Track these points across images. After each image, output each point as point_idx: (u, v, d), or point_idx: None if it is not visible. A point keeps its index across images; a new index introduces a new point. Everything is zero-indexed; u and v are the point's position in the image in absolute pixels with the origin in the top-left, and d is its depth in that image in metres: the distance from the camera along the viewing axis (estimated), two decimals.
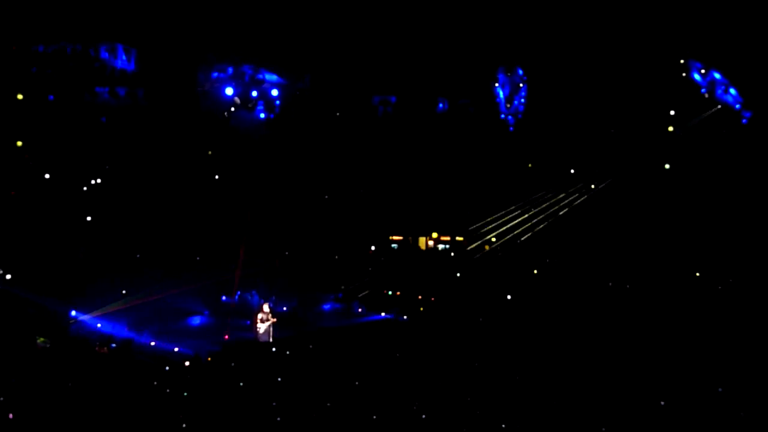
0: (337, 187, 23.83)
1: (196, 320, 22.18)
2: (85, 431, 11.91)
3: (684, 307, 18.73)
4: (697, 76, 21.41)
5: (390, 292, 23.41)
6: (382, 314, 22.67)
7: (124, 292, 21.03)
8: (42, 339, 17.97)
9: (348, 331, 21.26)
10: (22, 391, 13.72)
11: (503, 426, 12.33)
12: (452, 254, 24.29)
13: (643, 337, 17.28)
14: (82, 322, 19.98)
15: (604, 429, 12.06)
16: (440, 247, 24.66)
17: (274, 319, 20.33)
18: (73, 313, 19.96)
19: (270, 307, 20.58)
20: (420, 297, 22.94)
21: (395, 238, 24.63)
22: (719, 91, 21.35)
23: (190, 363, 17.16)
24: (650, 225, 21.18)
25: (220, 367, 16.94)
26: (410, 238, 24.48)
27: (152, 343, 19.34)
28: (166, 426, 12.50)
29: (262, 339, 19.97)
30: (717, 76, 21.24)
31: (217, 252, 22.67)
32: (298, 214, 23.23)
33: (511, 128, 23.46)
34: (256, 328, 20.11)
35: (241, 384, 14.86)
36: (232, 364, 16.96)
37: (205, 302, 22.44)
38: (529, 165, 23.26)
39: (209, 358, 17.84)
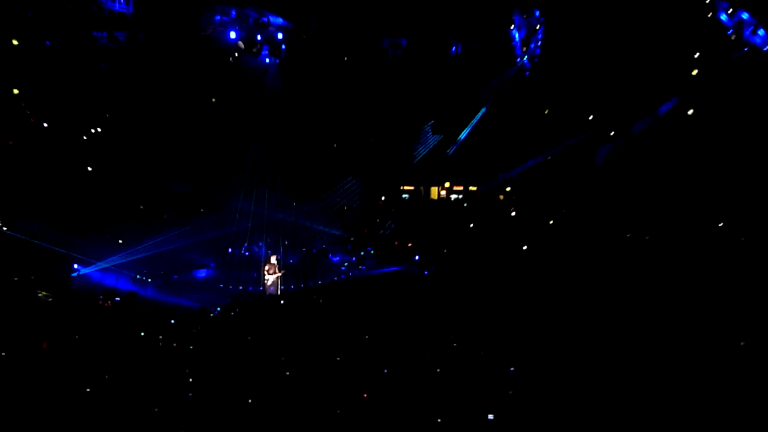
0: (346, 135, 23.51)
1: (202, 273, 22.23)
2: (89, 387, 11.85)
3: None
4: (723, 17, 20.73)
5: (401, 244, 23.32)
6: (394, 267, 22.48)
7: (127, 243, 20.89)
8: (44, 293, 17.87)
9: (358, 283, 21.14)
10: (24, 346, 13.48)
11: (516, 381, 12.28)
12: (465, 204, 24.20)
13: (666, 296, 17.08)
14: (85, 275, 19.89)
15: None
16: (453, 197, 24.53)
17: (282, 272, 20.21)
18: (76, 266, 19.81)
19: (277, 259, 20.40)
20: (432, 248, 22.69)
21: (406, 188, 24.42)
22: (747, 33, 20.66)
23: (196, 316, 17.16)
24: (673, 177, 20.74)
25: (226, 320, 16.93)
26: (422, 188, 24.30)
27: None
28: (172, 380, 12.27)
29: (270, 292, 19.80)
30: (745, 16, 20.54)
31: (222, 203, 22.63)
32: (306, 163, 22.91)
33: (528, 73, 22.95)
34: (264, 280, 20.00)
35: (249, 338, 14.78)
36: (240, 318, 16.93)
37: (212, 254, 22.42)
38: (546, 111, 22.84)
39: (216, 312, 17.85)
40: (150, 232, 21.22)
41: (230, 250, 22.53)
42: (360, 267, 22.90)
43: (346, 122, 23.37)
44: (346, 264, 23.09)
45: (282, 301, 18.88)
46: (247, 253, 22.56)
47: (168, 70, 21.54)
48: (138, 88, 21.46)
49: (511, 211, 22.96)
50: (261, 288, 20.16)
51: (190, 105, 21.99)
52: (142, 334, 14.92)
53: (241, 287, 21.15)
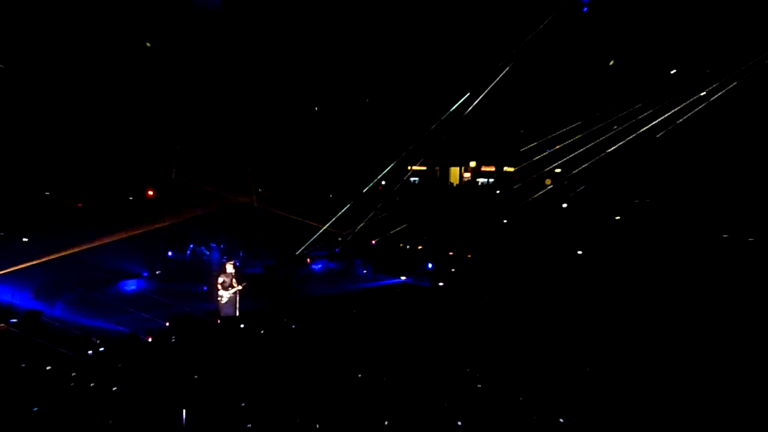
0: (331, 94, 23.23)
1: (132, 285, 22.10)
2: None
3: None
4: None
5: (408, 247, 23.18)
6: (398, 278, 22.63)
7: (27, 244, 20.65)
8: None
9: (348, 301, 20.89)
10: None
11: None
12: (498, 191, 24.15)
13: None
14: None
15: None
16: (481, 181, 24.48)
17: (242, 285, 19.76)
18: None
19: (236, 267, 19.67)
20: (451, 253, 22.53)
21: (416, 168, 24.37)
22: None
23: (122, 345, 16.89)
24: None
25: (164, 351, 16.61)
26: (437, 168, 24.27)
27: None
28: None
29: (225, 312, 19.12)
30: None
31: (159, 188, 22.47)
32: (274, 132, 22.75)
33: (585, 9, 22.86)
34: (217, 296, 19.25)
35: (196, 377, 14.75)
36: (183, 348, 16.65)
37: (144, 260, 22.44)
38: (611, 62, 22.69)
39: (149, 338, 17.64)
40: (58, 229, 21.05)
41: (170, 253, 22.64)
42: (351, 278, 22.88)
43: (332, 77, 22.95)
44: (331, 274, 22.95)
45: (242, 325, 18.72)
46: (193, 259, 22.50)
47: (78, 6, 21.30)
48: (39, 33, 21.15)
49: (563, 201, 22.65)
50: (213, 307, 19.74)
51: (110, 54, 21.88)
52: (48, 368, 14.70)
53: (185, 305, 20.66)
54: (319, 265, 23.58)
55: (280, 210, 23.10)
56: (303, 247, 23.25)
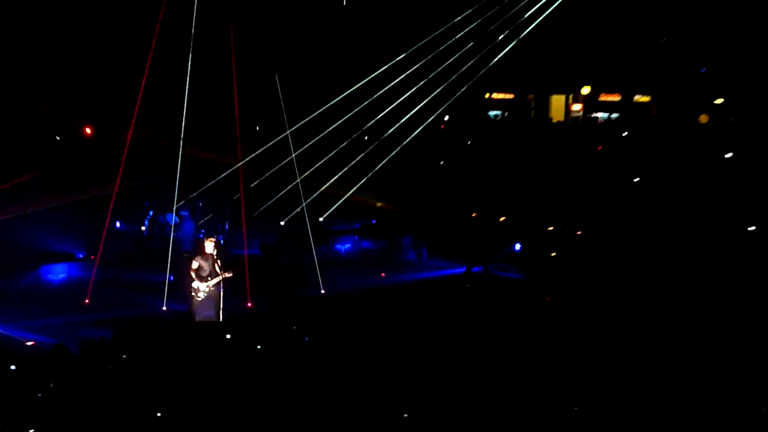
0: None
1: (59, 272, 22.57)
2: None
3: None
4: None
5: (484, 217, 22.84)
6: (468, 265, 22.63)
7: None
8: None
9: (389, 300, 20.99)
10: None
11: None
12: (626, 133, 23.32)
13: None
14: None
15: None
16: (599, 116, 23.97)
17: (229, 273, 19.27)
18: None
19: (219, 247, 19.53)
20: (551, 228, 22.15)
21: (498, 96, 23.74)
22: None
23: (45, 363, 16.34)
24: None
25: (109, 374, 16.04)
26: (531, 96, 23.70)
27: None
28: None
29: (203, 315, 19.05)
30: None
31: (100, 126, 23.04)
32: (282, 43, 22.62)
33: None
34: (190, 291, 19.07)
35: (159, 415, 14.04)
36: (136, 368, 16.21)
37: (78, 235, 22.47)
38: None
39: (86, 352, 17.06)
40: None
41: (118, 225, 22.88)
42: (395, 265, 23.12)
43: None
44: (365, 258, 23.93)
45: (228, 335, 18.21)
46: (153, 233, 22.94)
47: None
48: None
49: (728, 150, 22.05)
50: (185, 307, 19.52)
51: None
52: None
53: (140, 304, 20.57)
54: (347, 245, 24.56)
55: (285, 161, 22.74)
56: (322, 218, 22.93)
